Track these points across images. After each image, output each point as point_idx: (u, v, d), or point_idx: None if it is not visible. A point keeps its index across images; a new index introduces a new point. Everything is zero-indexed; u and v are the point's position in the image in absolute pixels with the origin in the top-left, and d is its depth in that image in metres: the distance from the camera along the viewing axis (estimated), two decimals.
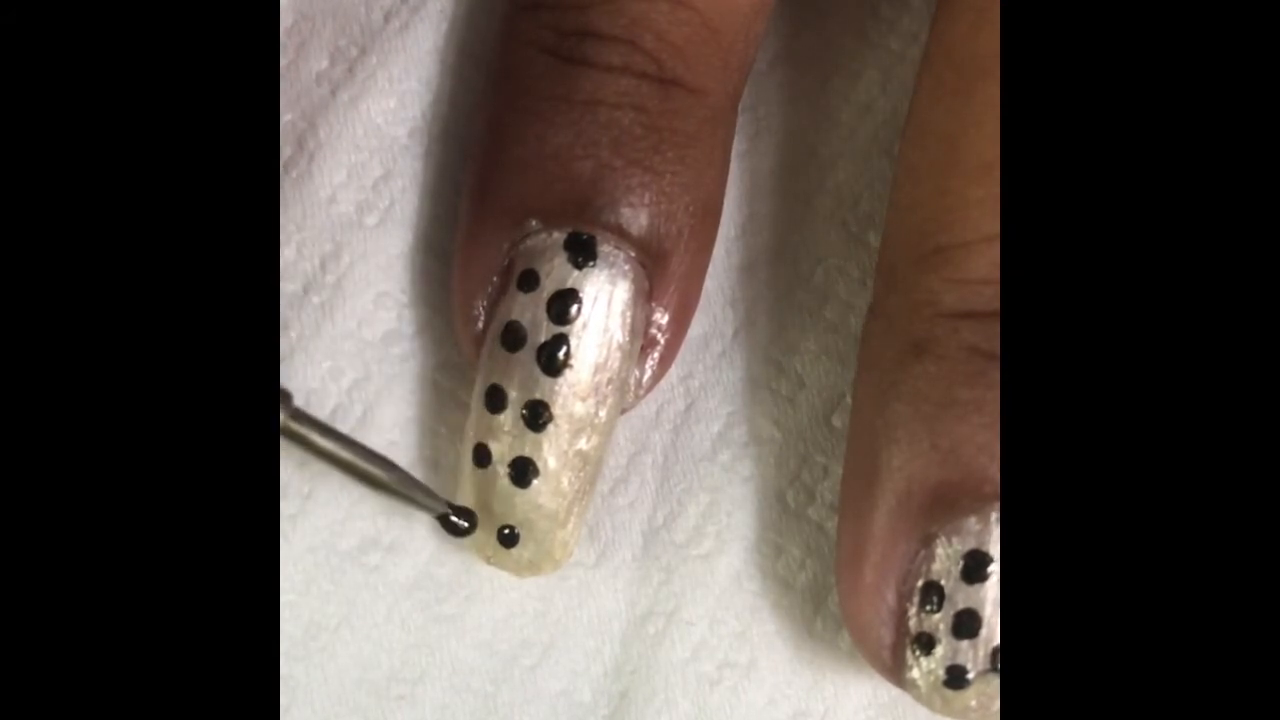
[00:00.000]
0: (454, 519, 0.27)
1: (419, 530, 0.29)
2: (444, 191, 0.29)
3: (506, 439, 0.27)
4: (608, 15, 0.26)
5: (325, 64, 0.30)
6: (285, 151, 0.29)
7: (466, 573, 0.29)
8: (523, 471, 0.27)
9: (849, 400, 0.29)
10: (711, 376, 0.30)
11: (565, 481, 0.27)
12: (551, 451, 0.27)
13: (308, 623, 0.28)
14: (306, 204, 0.29)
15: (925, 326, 0.25)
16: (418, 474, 0.29)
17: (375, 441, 0.29)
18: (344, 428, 0.29)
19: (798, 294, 0.30)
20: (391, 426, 0.29)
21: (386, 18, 0.30)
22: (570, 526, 0.27)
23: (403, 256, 0.29)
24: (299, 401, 0.28)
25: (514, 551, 0.27)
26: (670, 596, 0.29)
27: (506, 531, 0.27)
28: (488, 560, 0.28)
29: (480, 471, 0.27)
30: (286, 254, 0.29)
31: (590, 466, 0.27)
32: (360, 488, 0.28)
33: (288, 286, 0.29)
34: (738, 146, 0.29)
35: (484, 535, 0.27)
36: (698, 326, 0.29)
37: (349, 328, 0.29)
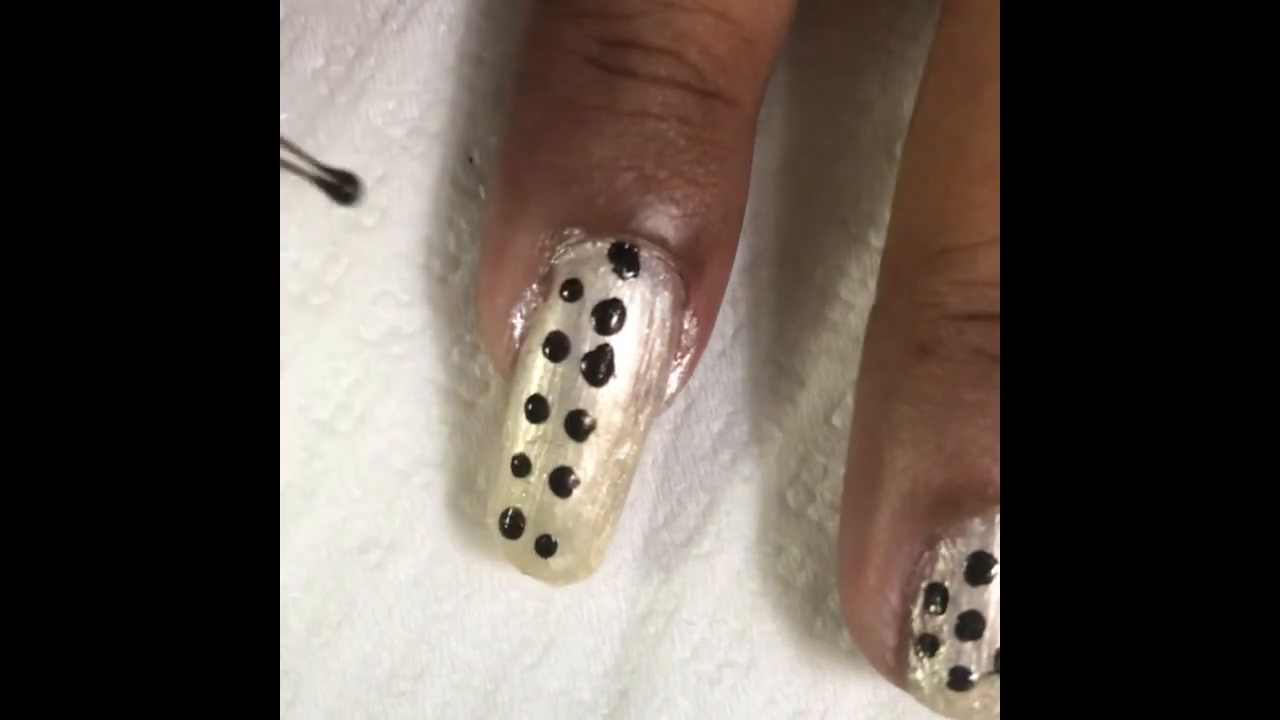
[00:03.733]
0: (333, 182, 0.25)
1: (420, 529, 0.29)
2: (442, 192, 0.29)
3: (547, 449, 0.27)
4: (653, 27, 0.26)
5: (321, 62, 0.29)
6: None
7: (467, 571, 0.29)
8: (563, 481, 0.27)
9: (849, 400, 0.29)
10: (712, 376, 0.30)
11: (605, 490, 0.27)
12: (592, 461, 0.27)
13: (309, 620, 0.28)
14: (307, 206, 0.29)
15: (930, 328, 0.25)
16: (419, 473, 0.29)
17: (375, 441, 0.29)
18: (344, 428, 0.29)
19: (798, 294, 0.30)
20: (391, 426, 0.29)
21: (384, 18, 0.29)
22: (606, 534, 0.27)
23: (401, 257, 0.29)
24: (302, 402, 0.29)
25: (551, 561, 0.27)
26: (670, 596, 0.29)
27: (544, 541, 0.27)
28: (523, 570, 0.28)
29: (519, 481, 0.27)
30: (286, 255, 0.29)
31: (627, 474, 0.27)
32: (363, 489, 0.28)
33: (287, 287, 0.29)
34: None
35: (521, 545, 0.27)
36: None
37: (348, 328, 0.29)
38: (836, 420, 0.29)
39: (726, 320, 0.30)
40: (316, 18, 0.29)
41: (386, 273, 0.29)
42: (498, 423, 0.29)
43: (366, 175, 0.29)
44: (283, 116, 0.29)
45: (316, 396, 0.29)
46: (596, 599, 0.29)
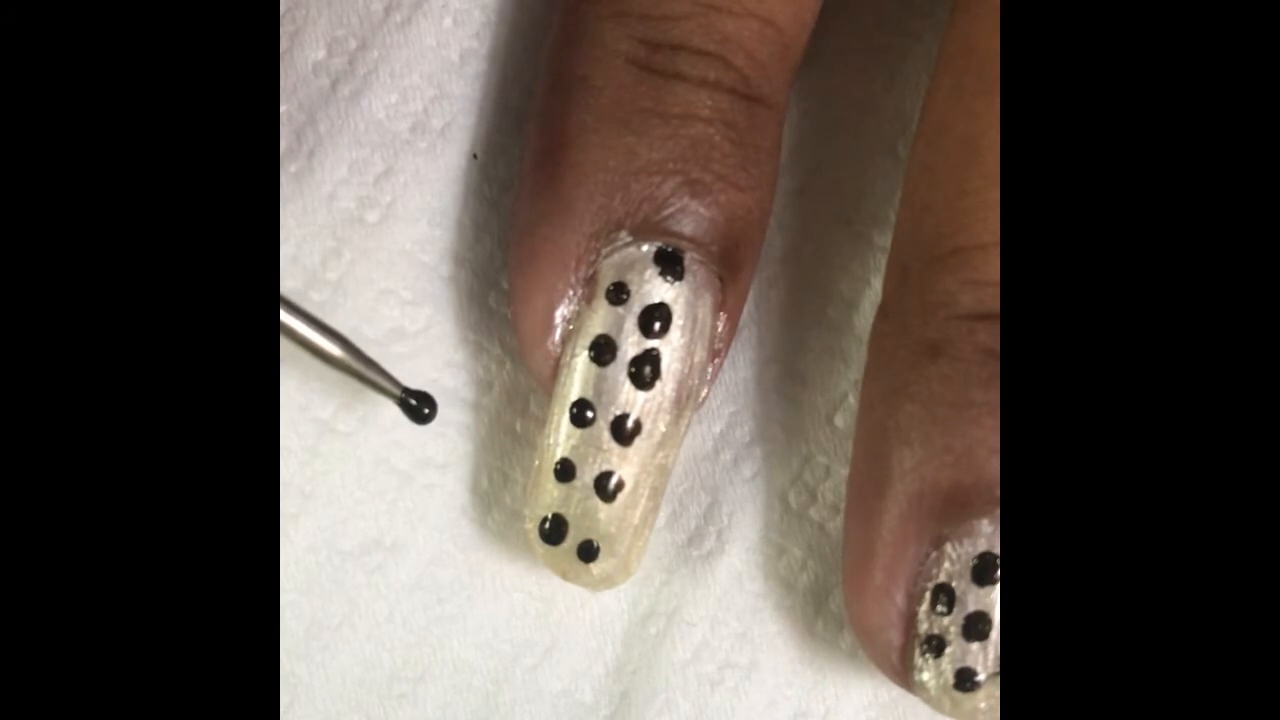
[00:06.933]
0: (413, 403, 0.27)
1: (421, 530, 0.29)
2: (447, 188, 0.29)
3: (593, 453, 0.27)
4: (700, 31, 0.26)
5: (322, 54, 0.29)
6: (283, 144, 0.29)
7: (469, 573, 0.29)
8: (608, 485, 0.27)
9: (852, 400, 0.29)
10: None
11: (646, 494, 0.27)
12: (636, 464, 0.27)
13: (309, 622, 0.28)
14: (307, 199, 0.29)
15: (940, 328, 0.25)
16: (422, 475, 0.29)
17: (377, 441, 0.28)
18: (345, 428, 0.28)
19: (800, 293, 0.30)
20: (393, 426, 0.28)
21: (387, 10, 0.29)
22: (645, 537, 0.27)
23: (405, 254, 0.29)
24: (302, 400, 0.28)
25: (593, 566, 0.27)
26: (671, 597, 0.29)
27: (586, 545, 0.27)
28: (563, 576, 0.27)
29: (562, 486, 0.27)
30: (286, 250, 0.28)
31: (665, 477, 0.27)
32: (364, 490, 0.28)
33: (288, 283, 0.28)
34: None
35: (563, 551, 0.27)
36: None
37: (350, 325, 0.28)
38: (839, 421, 0.29)
39: None
40: (318, 10, 0.29)
41: (389, 270, 0.29)
42: (501, 423, 0.29)
43: (368, 170, 0.29)
44: (281, 107, 0.29)
45: (317, 395, 0.28)
46: (598, 600, 0.29)
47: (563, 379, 0.27)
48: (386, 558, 0.28)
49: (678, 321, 0.26)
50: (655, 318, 0.26)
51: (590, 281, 0.27)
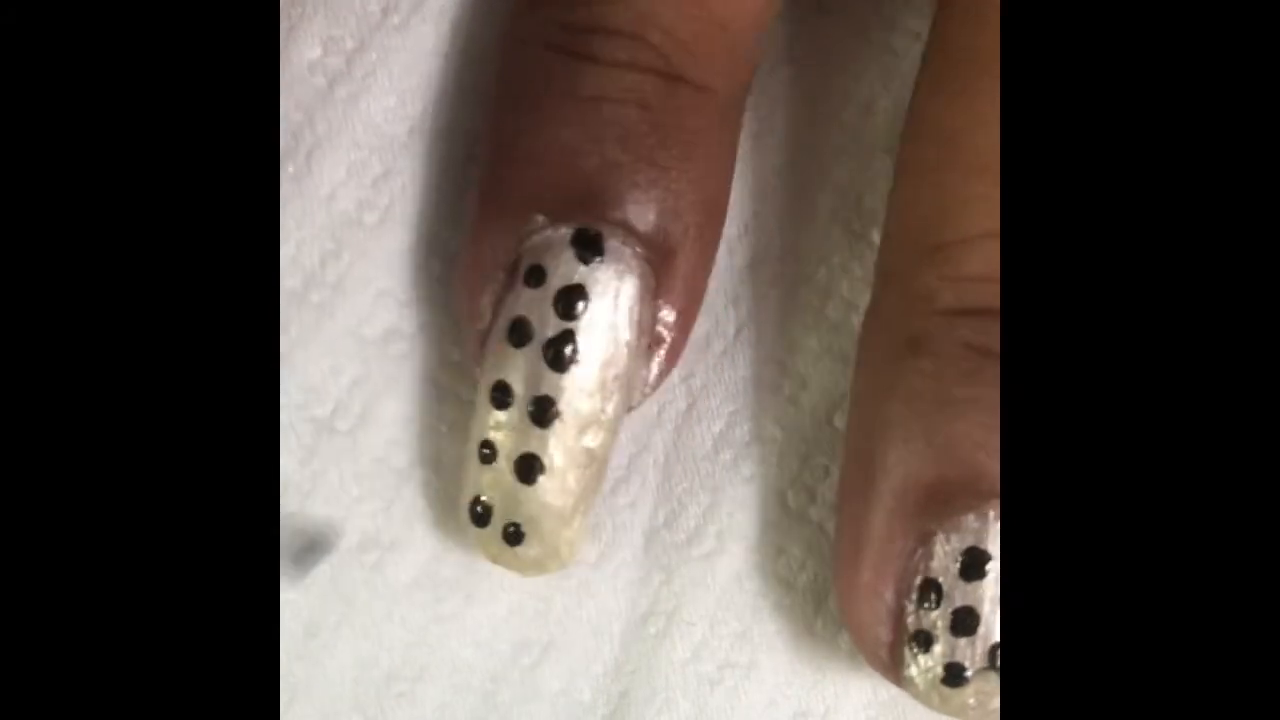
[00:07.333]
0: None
1: (419, 529, 0.29)
2: (445, 190, 0.29)
3: (512, 435, 0.26)
4: (615, 11, 0.26)
5: (318, 52, 0.29)
6: (280, 144, 0.29)
7: (467, 572, 0.29)
8: (528, 468, 0.27)
9: None
10: (713, 376, 0.30)
11: (571, 478, 0.27)
12: (558, 448, 0.26)
13: (307, 621, 0.28)
14: (305, 201, 0.29)
15: (921, 323, 0.25)
16: (419, 473, 0.29)
17: (375, 440, 0.29)
18: (344, 426, 0.29)
19: (800, 293, 0.30)
20: (391, 425, 0.29)
21: (384, 12, 0.29)
22: (576, 525, 0.27)
23: (403, 255, 0.29)
24: (300, 399, 0.29)
25: (519, 550, 0.27)
26: (671, 596, 0.29)
27: (511, 529, 0.27)
28: (493, 559, 0.27)
29: (485, 468, 0.27)
30: (285, 251, 0.29)
31: (596, 464, 0.27)
32: (362, 488, 0.29)
33: (287, 283, 0.29)
34: (740, 145, 0.29)
35: (489, 533, 0.27)
36: (700, 326, 0.29)
37: (349, 326, 0.29)
38: (838, 421, 0.29)
39: (728, 319, 0.30)
40: (313, 7, 0.29)
41: (387, 271, 0.29)
42: None
43: (367, 172, 0.29)
44: (280, 107, 0.29)
45: (316, 394, 0.29)
46: (596, 599, 0.29)
47: (485, 362, 0.27)
48: (384, 556, 0.29)
49: (597, 304, 0.26)
50: (573, 299, 0.26)
51: (513, 266, 0.27)
